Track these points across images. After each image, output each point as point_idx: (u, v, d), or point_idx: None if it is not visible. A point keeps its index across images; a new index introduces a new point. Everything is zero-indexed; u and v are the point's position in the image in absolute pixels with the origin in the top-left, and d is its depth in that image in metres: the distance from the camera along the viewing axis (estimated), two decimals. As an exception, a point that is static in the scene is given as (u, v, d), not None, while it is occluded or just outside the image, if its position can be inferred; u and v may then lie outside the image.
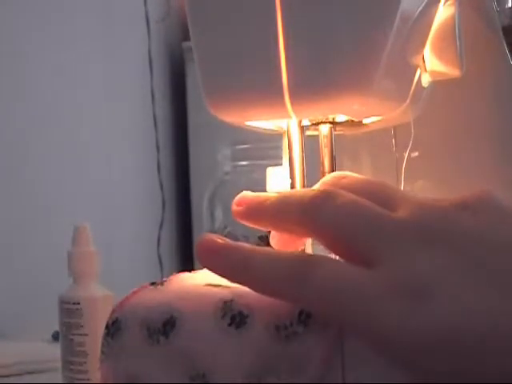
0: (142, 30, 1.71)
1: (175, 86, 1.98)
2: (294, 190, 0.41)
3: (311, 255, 0.34)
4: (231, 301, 0.36)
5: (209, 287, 0.38)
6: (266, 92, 0.42)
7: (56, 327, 0.70)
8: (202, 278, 0.40)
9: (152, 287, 0.40)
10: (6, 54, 1.23)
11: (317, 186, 0.40)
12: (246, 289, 0.35)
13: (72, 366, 0.62)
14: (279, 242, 0.38)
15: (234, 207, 0.38)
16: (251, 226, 0.38)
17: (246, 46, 0.42)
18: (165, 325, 0.37)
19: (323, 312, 0.33)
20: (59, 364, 0.64)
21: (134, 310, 0.38)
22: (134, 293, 0.40)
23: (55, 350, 0.68)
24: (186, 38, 1.77)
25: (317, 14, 0.40)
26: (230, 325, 0.35)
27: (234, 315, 0.35)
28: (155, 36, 1.81)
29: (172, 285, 0.40)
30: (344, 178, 0.38)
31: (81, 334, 0.62)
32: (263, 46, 0.41)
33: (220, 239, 0.36)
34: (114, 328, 0.39)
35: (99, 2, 1.60)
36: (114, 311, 0.39)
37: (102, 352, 0.39)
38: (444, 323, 0.29)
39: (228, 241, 0.36)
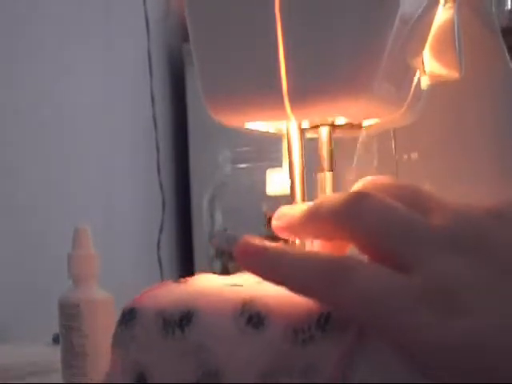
0: (142, 31, 1.71)
1: (175, 86, 1.98)
2: (326, 196, 0.41)
3: (347, 258, 0.34)
4: (251, 301, 0.36)
5: (232, 287, 0.38)
6: (265, 95, 0.42)
7: (56, 329, 0.70)
8: (228, 279, 0.40)
9: (175, 284, 0.40)
10: (4, 52, 1.23)
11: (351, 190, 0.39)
12: (267, 291, 0.36)
13: (72, 368, 0.63)
14: (322, 249, 0.39)
15: (274, 222, 0.39)
16: (293, 239, 0.39)
17: (245, 49, 0.42)
18: (181, 319, 0.36)
19: (355, 316, 0.33)
20: (59, 366, 0.64)
21: (152, 302, 0.38)
22: (156, 287, 0.39)
23: (55, 353, 0.68)
24: (186, 38, 1.77)
25: (316, 17, 0.40)
26: (247, 324, 0.35)
27: (251, 315, 0.35)
28: (155, 37, 1.81)
29: (195, 282, 0.40)
30: (378, 181, 0.38)
31: (81, 336, 0.62)
32: (263, 48, 0.41)
33: (257, 240, 0.36)
34: (128, 317, 0.38)
35: (99, 2, 1.60)
36: (131, 302, 0.39)
37: (114, 339, 0.39)
38: (471, 338, 0.30)
39: (264, 241, 0.36)
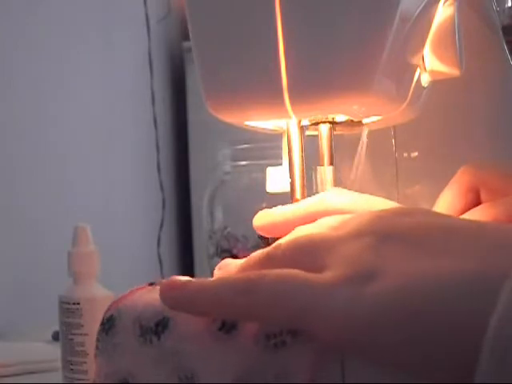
0: (142, 30, 1.71)
1: (175, 85, 1.98)
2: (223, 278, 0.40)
3: (255, 271, 0.35)
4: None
5: None
6: (265, 92, 0.42)
7: (56, 327, 0.70)
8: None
9: (150, 287, 0.40)
10: (3, 51, 1.23)
11: (238, 267, 0.39)
12: None
13: (72, 366, 0.62)
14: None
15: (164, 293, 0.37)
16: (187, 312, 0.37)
17: (245, 46, 0.42)
18: (157, 325, 0.37)
19: (274, 318, 0.33)
20: (59, 364, 0.64)
21: (129, 308, 0.39)
22: (131, 292, 0.40)
23: (55, 350, 0.68)
24: (186, 38, 1.77)
25: (316, 14, 0.40)
26: (220, 329, 0.35)
27: (224, 321, 0.36)
28: (155, 36, 1.81)
29: None
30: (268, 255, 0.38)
31: (81, 334, 0.62)
32: (263, 46, 0.41)
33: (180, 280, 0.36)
34: (108, 324, 0.39)
35: (99, 2, 1.60)
36: (109, 308, 0.40)
37: (97, 347, 0.39)
38: (390, 295, 0.30)
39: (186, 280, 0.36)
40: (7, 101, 1.23)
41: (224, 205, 1.15)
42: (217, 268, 0.40)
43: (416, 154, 0.57)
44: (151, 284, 0.40)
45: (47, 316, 0.78)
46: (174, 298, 0.35)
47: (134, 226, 1.70)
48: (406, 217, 0.35)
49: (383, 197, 0.43)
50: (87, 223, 0.67)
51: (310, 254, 0.35)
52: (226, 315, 0.35)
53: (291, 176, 0.44)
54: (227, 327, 0.35)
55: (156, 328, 0.37)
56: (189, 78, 1.92)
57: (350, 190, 0.44)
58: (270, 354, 0.34)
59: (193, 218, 1.89)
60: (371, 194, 0.43)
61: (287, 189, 0.45)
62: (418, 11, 0.43)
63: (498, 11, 0.54)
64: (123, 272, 1.40)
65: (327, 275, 0.32)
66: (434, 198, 0.46)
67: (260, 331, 0.34)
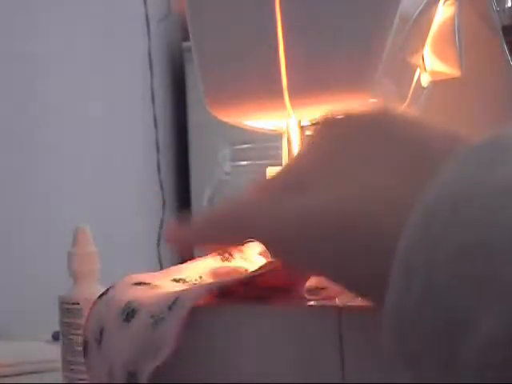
0: (142, 30, 1.71)
1: (175, 85, 1.98)
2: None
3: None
4: (131, 301, 0.39)
5: (172, 283, 0.42)
6: (265, 92, 0.42)
7: (56, 327, 0.70)
8: (180, 273, 0.44)
9: (98, 300, 0.43)
10: (4, 54, 1.23)
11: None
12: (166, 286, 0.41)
13: (72, 366, 0.62)
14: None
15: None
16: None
17: (245, 47, 0.42)
18: (101, 332, 0.40)
19: (231, 238, 0.36)
20: (59, 364, 0.64)
21: (89, 328, 0.42)
22: (88, 313, 0.43)
23: (55, 350, 0.68)
24: (186, 38, 1.77)
25: (316, 15, 0.40)
26: (124, 320, 0.39)
27: (128, 312, 0.38)
28: (155, 36, 1.80)
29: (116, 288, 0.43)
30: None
31: (81, 334, 0.62)
32: (263, 46, 0.41)
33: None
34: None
35: (99, 2, 1.60)
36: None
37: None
38: (314, 208, 0.31)
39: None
40: (6, 100, 1.23)
41: (224, 205, 1.15)
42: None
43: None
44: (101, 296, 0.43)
45: (47, 316, 0.78)
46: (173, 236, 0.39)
47: (134, 226, 1.70)
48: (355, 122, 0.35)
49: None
50: (87, 223, 0.67)
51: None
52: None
53: (291, 176, 0.44)
54: (128, 318, 0.38)
55: (100, 335, 0.40)
56: (189, 78, 1.92)
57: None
58: (153, 330, 0.37)
59: (193, 217, 1.89)
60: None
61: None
62: (417, 11, 0.43)
63: (498, 11, 0.54)
64: (123, 272, 1.40)
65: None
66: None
67: (148, 313, 0.38)
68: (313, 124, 0.45)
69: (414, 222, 0.26)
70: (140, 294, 0.40)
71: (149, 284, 0.41)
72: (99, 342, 0.40)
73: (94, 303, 0.42)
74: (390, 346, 0.26)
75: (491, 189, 0.24)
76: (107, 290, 0.42)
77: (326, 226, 0.30)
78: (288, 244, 0.32)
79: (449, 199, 0.25)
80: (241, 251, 0.45)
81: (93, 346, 0.41)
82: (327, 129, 0.35)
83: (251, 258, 0.45)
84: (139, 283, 0.42)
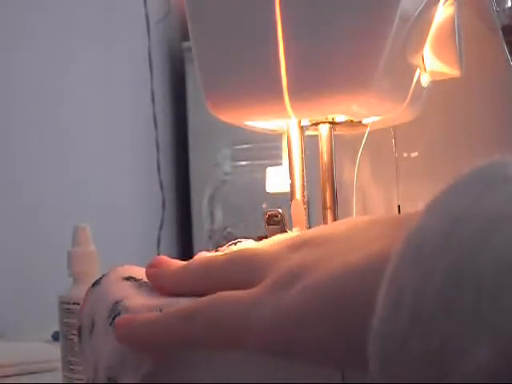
0: (142, 30, 1.71)
1: (175, 85, 1.98)
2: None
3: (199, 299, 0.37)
4: (119, 302, 0.39)
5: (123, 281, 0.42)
6: (265, 92, 0.42)
7: (56, 327, 0.70)
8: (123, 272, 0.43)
9: (92, 288, 0.42)
10: (4, 51, 1.23)
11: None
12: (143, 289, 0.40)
13: (72, 366, 0.62)
14: None
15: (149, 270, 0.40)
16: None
17: (245, 46, 0.42)
18: (92, 324, 0.40)
19: (214, 341, 0.34)
20: (59, 364, 0.64)
21: (84, 315, 0.42)
22: (84, 300, 0.42)
23: (55, 350, 0.68)
24: (186, 38, 1.77)
25: (316, 15, 0.40)
26: (110, 324, 0.38)
27: (115, 315, 0.38)
28: (155, 36, 1.81)
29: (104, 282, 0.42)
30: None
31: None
32: (263, 46, 0.41)
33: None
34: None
35: (99, 2, 1.60)
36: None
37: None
38: (309, 293, 0.31)
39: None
40: (6, 99, 1.23)
41: (224, 205, 1.15)
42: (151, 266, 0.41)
43: (416, 154, 0.57)
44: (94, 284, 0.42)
45: (47, 316, 0.78)
46: (126, 336, 0.37)
47: (133, 226, 1.70)
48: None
49: (383, 196, 0.43)
50: (87, 223, 0.67)
51: (244, 271, 0.36)
52: (172, 344, 0.36)
53: (291, 176, 0.44)
54: (114, 321, 0.38)
55: (90, 332, 0.40)
56: (189, 78, 1.92)
57: (349, 190, 0.43)
58: None
59: (193, 218, 1.89)
60: (371, 193, 0.43)
61: (287, 189, 0.45)
62: (417, 11, 0.43)
63: (497, 11, 0.54)
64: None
65: (254, 289, 0.34)
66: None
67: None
68: (313, 124, 0.45)
69: (402, 250, 0.26)
70: (128, 293, 0.40)
71: (138, 280, 0.41)
72: (91, 333, 0.40)
73: (88, 290, 0.42)
74: (374, 369, 0.26)
75: (480, 216, 0.24)
76: (100, 278, 0.42)
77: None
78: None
79: (437, 227, 0.25)
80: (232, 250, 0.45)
81: (86, 334, 0.41)
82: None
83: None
84: (129, 278, 0.42)
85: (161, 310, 0.37)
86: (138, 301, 0.39)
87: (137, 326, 0.36)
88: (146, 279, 0.41)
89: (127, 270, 0.43)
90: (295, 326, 0.31)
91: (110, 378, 0.37)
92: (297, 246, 0.36)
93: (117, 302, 0.39)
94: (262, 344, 0.32)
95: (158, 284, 0.40)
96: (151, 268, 0.40)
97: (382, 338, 0.25)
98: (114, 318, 0.38)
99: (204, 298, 0.35)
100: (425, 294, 0.24)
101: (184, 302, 0.37)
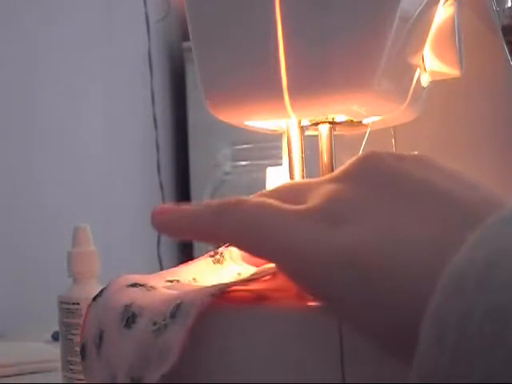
0: (142, 30, 1.71)
1: (175, 85, 1.98)
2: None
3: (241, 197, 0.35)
4: (130, 304, 0.38)
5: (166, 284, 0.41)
6: (265, 92, 0.42)
7: (56, 327, 0.70)
8: (173, 274, 0.43)
9: (93, 302, 0.42)
10: (4, 52, 1.23)
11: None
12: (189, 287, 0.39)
13: (72, 366, 0.62)
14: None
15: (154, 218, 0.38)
16: (169, 235, 0.39)
17: (245, 46, 0.42)
18: (100, 336, 0.40)
19: (245, 244, 0.33)
20: (59, 364, 0.64)
21: (87, 331, 0.42)
22: (85, 316, 0.42)
23: (55, 350, 0.68)
24: (186, 37, 1.77)
25: (316, 15, 0.40)
26: (124, 326, 0.38)
27: (128, 317, 0.38)
28: (155, 36, 1.81)
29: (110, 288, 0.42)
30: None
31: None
32: (263, 46, 0.41)
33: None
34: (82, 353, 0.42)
35: (99, 2, 1.60)
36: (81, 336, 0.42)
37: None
38: (354, 243, 0.30)
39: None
40: (4, 101, 1.23)
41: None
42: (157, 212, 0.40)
43: (416, 153, 0.57)
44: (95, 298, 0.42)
45: (47, 316, 0.78)
46: (162, 222, 0.37)
47: (133, 226, 1.70)
48: (395, 161, 0.35)
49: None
50: (87, 223, 0.67)
51: (293, 193, 0.35)
52: (201, 235, 0.36)
53: (291, 176, 0.44)
54: (129, 323, 0.37)
55: (100, 340, 0.40)
56: (189, 78, 1.92)
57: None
58: (156, 337, 0.36)
59: (193, 218, 1.89)
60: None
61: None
62: (417, 11, 0.43)
63: (497, 11, 0.54)
64: (123, 272, 1.40)
65: (301, 207, 0.32)
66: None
67: (150, 319, 0.37)
68: (313, 124, 0.45)
69: (447, 281, 0.25)
70: (137, 296, 0.39)
71: (144, 285, 0.41)
72: (99, 346, 0.39)
73: (89, 306, 0.42)
74: None
75: None
76: (101, 291, 0.42)
77: (366, 265, 0.29)
78: (322, 278, 0.30)
79: (483, 259, 0.24)
80: (229, 251, 0.45)
81: (91, 351, 0.40)
82: (368, 163, 0.34)
83: (238, 258, 0.45)
84: (134, 284, 0.41)
85: (179, 305, 0.36)
86: (153, 299, 0.38)
87: (174, 214, 0.36)
88: (151, 284, 0.41)
89: (129, 278, 0.43)
90: (327, 270, 0.30)
91: (134, 378, 0.36)
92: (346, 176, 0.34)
93: (128, 305, 0.39)
94: (286, 267, 0.32)
95: (170, 230, 0.38)
96: (159, 215, 0.38)
97: (427, 372, 0.25)
98: (128, 320, 0.38)
99: (248, 198, 0.34)
100: (469, 325, 0.23)
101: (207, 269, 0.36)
